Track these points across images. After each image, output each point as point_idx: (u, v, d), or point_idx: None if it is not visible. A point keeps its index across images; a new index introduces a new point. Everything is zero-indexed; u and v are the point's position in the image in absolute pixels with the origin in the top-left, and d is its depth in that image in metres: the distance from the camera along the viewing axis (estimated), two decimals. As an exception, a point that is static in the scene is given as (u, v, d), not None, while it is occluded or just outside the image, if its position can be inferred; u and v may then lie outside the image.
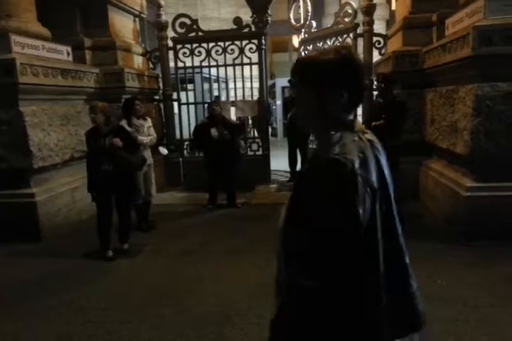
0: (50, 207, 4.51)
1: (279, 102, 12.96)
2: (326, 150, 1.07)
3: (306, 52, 7.50)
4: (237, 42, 6.57)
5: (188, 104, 6.94)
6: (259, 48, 6.57)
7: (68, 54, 5.31)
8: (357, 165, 1.02)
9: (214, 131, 5.23)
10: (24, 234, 3.96)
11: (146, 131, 4.61)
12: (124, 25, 6.55)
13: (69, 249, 4.13)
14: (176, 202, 5.90)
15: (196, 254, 3.90)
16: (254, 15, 6.53)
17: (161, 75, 6.95)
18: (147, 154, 4.52)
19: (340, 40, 6.66)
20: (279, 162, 7.50)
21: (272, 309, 1.20)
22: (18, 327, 2.71)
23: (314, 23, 7.68)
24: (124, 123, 4.38)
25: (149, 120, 4.81)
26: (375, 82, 4.92)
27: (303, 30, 7.64)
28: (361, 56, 6.39)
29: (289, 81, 6.90)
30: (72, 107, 5.17)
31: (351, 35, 6.42)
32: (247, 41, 6.56)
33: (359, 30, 6.41)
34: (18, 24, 4.63)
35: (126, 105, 4.59)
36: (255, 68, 6.69)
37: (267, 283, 3.15)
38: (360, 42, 6.34)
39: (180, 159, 6.82)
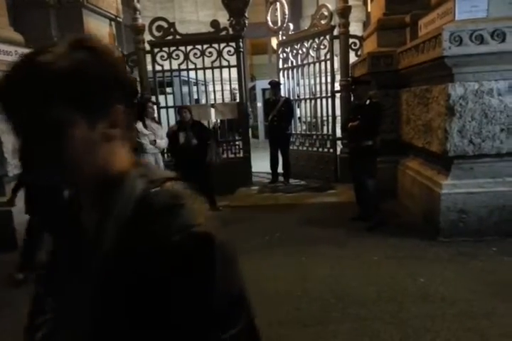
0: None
1: (259, 104, 13.00)
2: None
3: (285, 54, 7.56)
4: (215, 45, 6.56)
5: (167, 107, 6.90)
6: (237, 51, 6.58)
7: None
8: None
9: (182, 137, 5.17)
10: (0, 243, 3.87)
11: (160, 134, 4.62)
12: (99, 29, 6.48)
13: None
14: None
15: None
16: (232, 18, 6.54)
17: (138, 79, 6.89)
18: (159, 157, 4.60)
19: (317, 41, 6.73)
20: (261, 164, 7.51)
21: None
22: None
23: (291, 26, 7.74)
24: (139, 124, 4.38)
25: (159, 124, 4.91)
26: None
27: (280, 32, 7.69)
28: (338, 58, 6.49)
29: (270, 83, 6.94)
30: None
31: (328, 37, 6.50)
32: (225, 44, 6.56)
33: (335, 32, 6.49)
34: (-11, 29, 4.54)
35: (139, 107, 4.54)
36: (234, 71, 6.70)
37: (246, 284, 3.17)
38: (337, 44, 6.43)
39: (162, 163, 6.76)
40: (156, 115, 6.88)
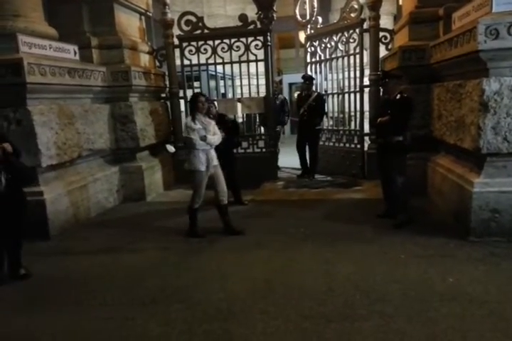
0: (59, 205, 4.57)
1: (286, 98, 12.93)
2: None
3: (313, 48, 7.48)
4: (243, 39, 6.56)
5: (194, 101, 6.95)
6: (264, 45, 6.55)
7: (75, 53, 5.35)
8: None
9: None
10: (34, 232, 4.01)
11: (212, 129, 4.28)
12: (130, 24, 6.58)
13: (76, 245, 4.19)
14: (184, 200, 5.89)
15: (204, 250, 3.92)
16: (260, 12, 6.51)
17: (167, 73, 6.98)
18: (212, 154, 4.26)
19: (346, 35, 6.63)
20: (287, 159, 7.50)
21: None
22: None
23: (320, 19, 7.64)
24: (189, 120, 4.22)
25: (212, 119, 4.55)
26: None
27: (309, 26, 7.60)
28: (367, 52, 6.37)
29: (303, 76, 6.89)
30: (79, 106, 5.21)
31: (357, 30, 6.39)
32: (252, 38, 6.55)
33: (365, 26, 6.37)
34: (25, 24, 4.67)
35: (191, 101, 4.36)
36: (261, 65, 6.69)
37: (271, 279, 3.19)
38: (367, 37, 6.31)
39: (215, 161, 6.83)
40: (183, 109, 7.01)
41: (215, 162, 4.27)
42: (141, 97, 6.34)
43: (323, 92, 7.30)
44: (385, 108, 4.35)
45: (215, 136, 4.25)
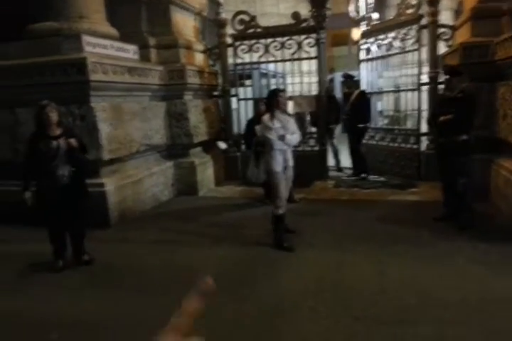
0: (118, 196, 4.79)
1: (338, 97, 12.72)
2: None
3: (367, 45, 7.30)
4: (296, 37, 6.53)
5: (246, 99, 7.03)
6: (317, 42, 6.49)
7: (134, 52, 5.58)
8: None
9: (258, 128, 5.24)
10: (95, 220, 4.24)
11: (291, 128, 3.93)
12: (185, 24, 6.76)
13: (135, 235, 4.37)
14: (234, 196, 6.02)
15: (253, 247, 3.95)
16: (313, 9, 6.45)
17: (220, 71, 7.10)
18: (290, 155, 3.93)
19: (403, 31, 6.41)
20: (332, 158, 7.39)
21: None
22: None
23: (376, 15, 7.45)
24: (266, 118, 3.87)
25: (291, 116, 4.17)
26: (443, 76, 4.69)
27: (363, 22, 7.43)
28: (425, 48, 6.13)
29: (343, 75, 6.79)
30: (138, 103, 5.43)
31: (415, 26, 6.16)
32: (305, 36, 6.51)
33: (423, 22, 6.13)
34: (89, 25, 4.94)
35: (270, 96, 4.00)
36: (314, 63, 6.63)
37: (322, 278, 3.16)
38: (425, 34, 6.07)
39: (238, 153, 6.93)
40: (234, 107, 7.10)
41: (291, 163, 3.95)
42: (194, 95, 6.49)
43: (377, 90, 7.11)
44: (445, 106, 4.16)
45: (294, 136, 3.89)
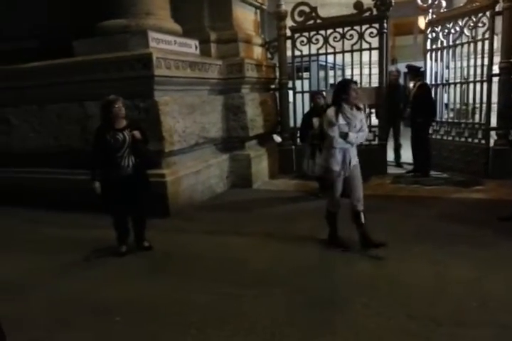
0: (177, 187, 5.00)
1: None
2: None
3: (434, 34, 6.93)
4: (357, 28, 6.36)
5: (303, 92, 6.98)
6: (380, 32, 6.28)
7: (196, 47, 5.74)
8: None
9: (315, 122, 5.18)
10: (155, 210, 4.46)
11: (359, 125, 3.47)
12: (246, 17, 6.82)
13: (191, 225, 4.54)
14: (288, 189, 6.04)
15: (305, 240, 3.96)
16: (377, -2, 6.23)
17: (278, 64, 7.10)
18: (352, 153, 3.56)
19: (474, 19, 6.00)
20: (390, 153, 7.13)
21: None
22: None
23: (444, 3, 7.02)
24: (331, 113, 3.42)
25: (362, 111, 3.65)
26: None
27: (430, 10, 7.04)
28: (498, 37, 5.71)
29: (407, 66, 6.50)
30: (197, 97, 5.60)
31: (488, 13, 5.74)
32: (367, 26, 6.31)
33: (497, 8, 5.69)
34: (154, 21, 5.15)
35: (339, 88, 3.50)
36: (375, 53, 6.43)
37: (377, 275, 3.10)
38: (498, 21, 5.64)
39: (293, 147, 6.92)
40: (291, 100, 7.08)
41: (354, 161, 3.58)
42: (252, 88, 6.56)
43: (444, 82, 6.74)
44: None
45: (360, 134, 3.48)
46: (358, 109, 3.52)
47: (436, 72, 6.83)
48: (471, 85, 6.29)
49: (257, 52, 6.98)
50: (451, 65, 6.68)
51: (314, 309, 2.71)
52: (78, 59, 5.06)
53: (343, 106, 3.40)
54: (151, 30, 4.94)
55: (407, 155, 7.02)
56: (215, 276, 3.27)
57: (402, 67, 12.00)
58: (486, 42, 5.84)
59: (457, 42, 6.43)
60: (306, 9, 6.68)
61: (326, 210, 3.80)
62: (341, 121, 3.40)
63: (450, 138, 6.56)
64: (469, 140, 6.21)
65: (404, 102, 6.79)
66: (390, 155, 7.02)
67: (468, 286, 2.90)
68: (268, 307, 2.76)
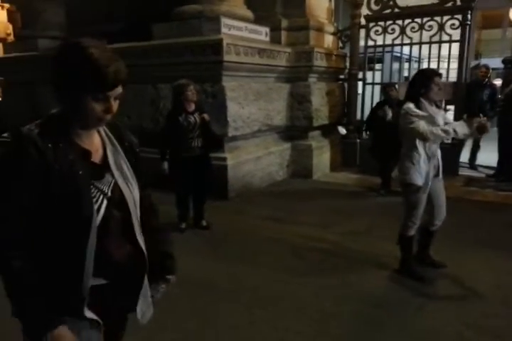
0: (238, 171, 5.09)
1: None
2: None
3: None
4: (437, 18, 5.98)
5: (373, 84, 6.74)
6: (462, 24, 5.85)
7: (266, 34, 5.74)
8: None
9: (389, 112, 5.00)
10: (216, 192, 4.58)
11: (442, 121, 2.86)
12: (319, 4, 6.68)
13: (249, 209, 4.62)
14: (349, 183, 5.91)
15: (360, 237, 3.87)
16: (463, -13, 5.81)
17: (349, 54, 6.90)
18: (438, 161, 2.94)
19: None
20: (483, 155, 6.67)
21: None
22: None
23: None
24: (411, 106, 2.80)
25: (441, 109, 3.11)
26: None
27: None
28: None
29: (503, 60, 6.00)
30: (264, 84, 5.61)
31: None
32: (449, 16, 5.91)
33: None
34: (227, 8, 5.21)
35: (419, 80, 2.88)
36: (455, 47, 6.02)
37: (433, 280, 2.96)
38: None
39: (358, 140, 6.74)
40: (360, 91, 6.86)
41: (441, 169, 2.96)
42: (319, 78, 6.44)
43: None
44: None
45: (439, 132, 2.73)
46: (438, 106, 2.95)
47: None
48: None
49: (328, 40, 6.82)
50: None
51: (361, 305, 2.66)
52: (154, 42, 5.27)
53: (422, 102, 2.80)
54: (224, 16, 5.00)
55: (482, 157, 6.57)
56: (268, 261, 3.32)
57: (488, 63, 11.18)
58: None
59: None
60: (384, -3, 6.38)
61: (399, 235, 3.06)
62: (423, 113, 2.79)
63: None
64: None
65: (492, 102, 6.30)
66: (464, 157, 6.59)
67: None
68: (314, 299, 2.75)
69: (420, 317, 2.53)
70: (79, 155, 1.08)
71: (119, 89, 1.08)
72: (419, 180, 2.83)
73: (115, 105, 1.09)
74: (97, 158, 1.14)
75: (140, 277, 1.22)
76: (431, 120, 2.78)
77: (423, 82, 2.82)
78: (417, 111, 2.77)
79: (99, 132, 1.18)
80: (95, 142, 1.16)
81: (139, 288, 1.22)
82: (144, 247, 1.20)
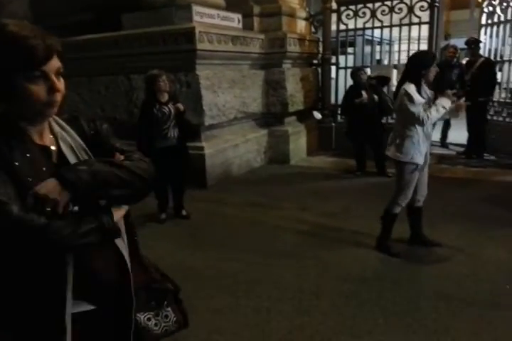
0: (215, 160, 5.12)
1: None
2: None
3: (491, 8, 6.48)
4: (406, 1, 6.07)
5: (346, 68, 6.80)
6: (431, 6, 5.95)
7: (239, 21, 5.71)
8: None
9: (364, 94, 5.13)
10: (194, 181, 4.61)
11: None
12: (289, -10, 6.65)
13: (228, 197, 4.67)
14: (325, 166, 6.02)
15: (337, 217, 3.98)
16: (430, -32, 5.88)
17: (321, 39, 6.93)
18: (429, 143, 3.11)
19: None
20: (455, 134, 6.85)
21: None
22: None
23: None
24: (412, 88, 2.88)
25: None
26: None
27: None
28: None
29: (467, 41, 6.13)
30: (238, 71, 5.61)
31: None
32: (418, -1, 6.01)
33: None
34: (198, -5, 5.14)
35: (419, 62, 2.98)
36: (425, 28, 6.12)
37: (405, 255, 3.09)
38: None
39: (333, 124, 6.84)
40: (333, 76, 6.92)
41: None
42: (293, 64, 6.47)
43: (499, 59, 6.35)
44: None
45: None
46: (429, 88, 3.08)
47: (490, 49, 6.42)
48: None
49: (301, 26, 6.83)
50: (508, 41, 6.25)
51: (343, 283, 2.77)
52: (126, 32, 5.18)
53: (422, 84, 2.92)
54: (195, 3, 4.95)
55: (453, 136, 6.76)
56: (248, 246, 3.39)
57: (457, 44, 11.35)
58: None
59: (516, 16, 5.99)
60: (354, -19, 6.41)
61: (384, 211, 3.17)
62: (422, 99, 2.90)
63: (501, 118, 6.24)
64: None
65: (461, 81, 6.45)
66: (435, 135, 6.76)
67: (504, 269, 2.85)
68: (296, 279, 2.85)
69: (396, 290, 2.65)
70: (37, 152, 0.96)
71: (56, 63, 0.93)
72: (419, 159, 2.94)
73: (60, 83, 0.94)
74: (54, 156, 1.01)
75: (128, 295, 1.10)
76: (428, 104, 2.91)
77: (422, 64, 2.92)
78: (418, 96, 2.86)
79: (51, 128, 1.03)
80: (48, 140, 1.01)
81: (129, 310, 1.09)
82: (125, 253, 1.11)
